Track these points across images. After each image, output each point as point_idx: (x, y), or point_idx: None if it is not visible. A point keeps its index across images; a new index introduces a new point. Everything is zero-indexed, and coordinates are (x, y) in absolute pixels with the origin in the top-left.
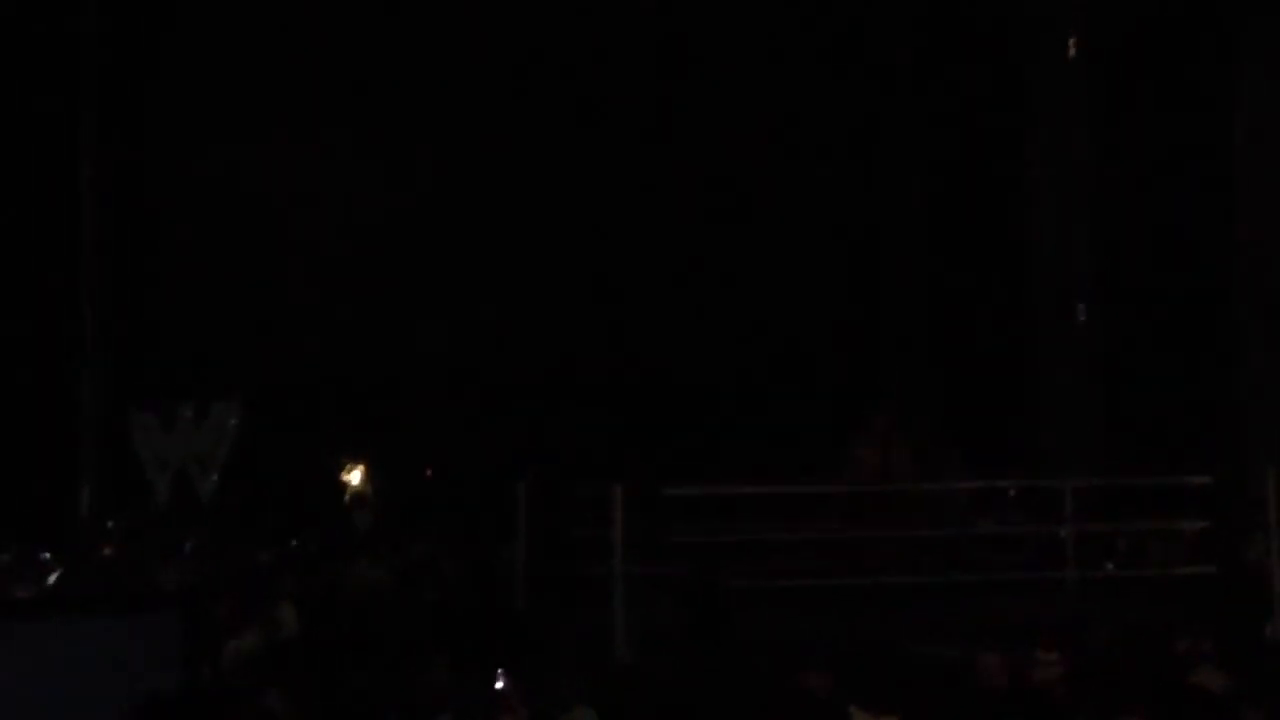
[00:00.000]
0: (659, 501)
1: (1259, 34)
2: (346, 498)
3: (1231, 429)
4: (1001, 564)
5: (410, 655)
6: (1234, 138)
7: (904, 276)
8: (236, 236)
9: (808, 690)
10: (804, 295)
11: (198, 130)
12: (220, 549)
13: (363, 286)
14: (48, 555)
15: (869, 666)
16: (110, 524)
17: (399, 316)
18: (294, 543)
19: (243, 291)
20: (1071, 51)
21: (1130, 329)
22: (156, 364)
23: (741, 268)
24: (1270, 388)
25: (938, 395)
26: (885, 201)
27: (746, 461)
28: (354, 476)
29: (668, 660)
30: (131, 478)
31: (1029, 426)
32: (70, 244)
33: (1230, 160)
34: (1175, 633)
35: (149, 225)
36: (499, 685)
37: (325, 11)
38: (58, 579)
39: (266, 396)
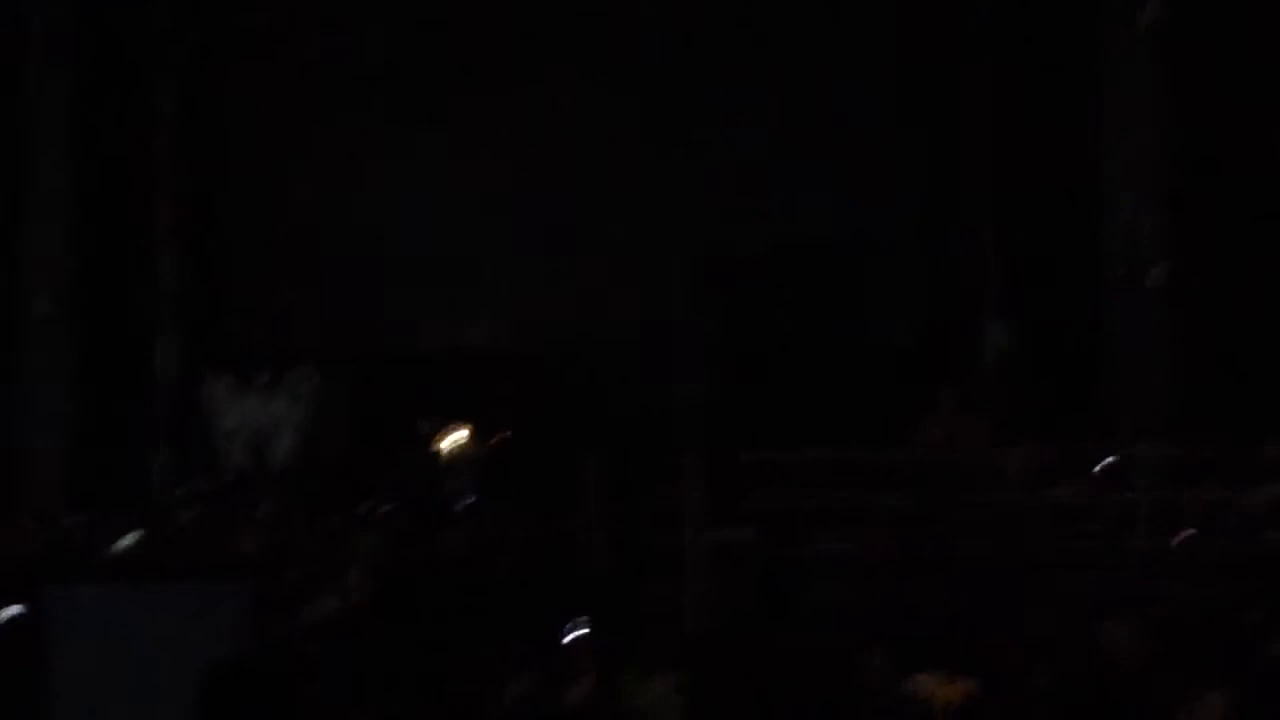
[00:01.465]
0: (734, 468)
1: None
2: (444, 461)
3: None
4: (1072, 534)
5: (486, 622)
6: None
7: (972, 242)
8: (312, 205)
9: (866, 670)
10: (870, 265)
11: (274, 108)
12: (294, 514)
13: (437, 254)
14: (123, 521)
15: (939, 635)
16: (185, 490)
17: (470, 282)
18: (367, 506)
19: (320, 259)
20: (1146, 17)
21: (1205, 294)
22: (232, 330)
23: (804, 235)
24: None
25: (1008, 364)
26: (954, 168)
27: (814, 433)
28: (456, 438)
29: (741, 629)
30: (206, 444)
31: (1102, 394)
32: (146, 212)
33: None
34: (1250, 604)
35: (225, 193)
36: (571, 638)
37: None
38: (132, 545)
39: (342, 363)
